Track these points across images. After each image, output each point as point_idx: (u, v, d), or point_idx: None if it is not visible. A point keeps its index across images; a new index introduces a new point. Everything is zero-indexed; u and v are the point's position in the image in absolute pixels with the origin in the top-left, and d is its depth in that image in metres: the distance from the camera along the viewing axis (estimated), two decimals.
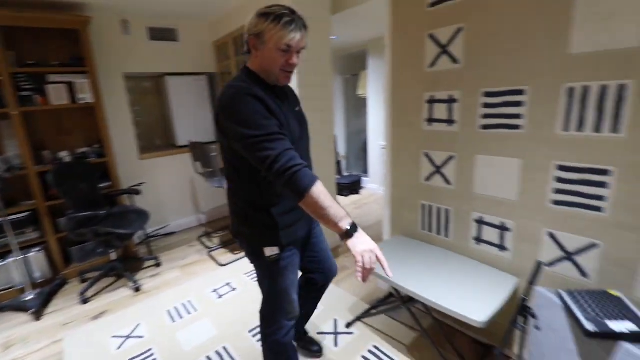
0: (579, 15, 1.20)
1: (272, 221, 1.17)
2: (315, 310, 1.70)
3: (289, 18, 1.00)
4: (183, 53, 3.37)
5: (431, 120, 1.75)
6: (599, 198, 1.26)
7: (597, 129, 1.22)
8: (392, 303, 2.06)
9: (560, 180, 1.35)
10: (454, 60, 1.59)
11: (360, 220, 3.58)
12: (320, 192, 0.95)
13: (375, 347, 1.76)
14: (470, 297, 1.41)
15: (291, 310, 1.30)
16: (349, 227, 0.96)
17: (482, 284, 1.49)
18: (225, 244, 3.17)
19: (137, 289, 2.47)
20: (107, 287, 2.55)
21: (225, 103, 1.02)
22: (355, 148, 5.01)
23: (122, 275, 2.65)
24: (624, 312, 1.10)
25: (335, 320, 2.00)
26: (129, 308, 2.25)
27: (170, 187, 3.50)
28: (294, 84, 2.38)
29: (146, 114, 3.57)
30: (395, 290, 1.78)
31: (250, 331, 1.95)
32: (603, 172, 1.24)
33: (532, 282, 1.08)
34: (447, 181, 1.75)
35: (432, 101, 1.72)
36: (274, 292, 1.27)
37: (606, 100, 1.19)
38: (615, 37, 1.14)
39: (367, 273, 0.94)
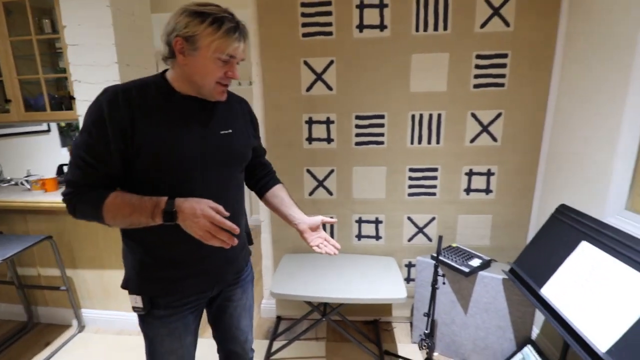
0: (413, 67, 1.78)
1: (142, 255, 0.94)
2: None
3: (232, 24, 0.82)
4: None
5: (311, 140, 1.91)
6: (434, 187, 1.91)
7: (429, 141, 1.86)
8: (293, 326, 2.04)
9: (411, 178, 1.92)
10: (329, 87, 1.84)
11: None
12: (114, 202, 0.83)
13: None
14: (380, 284, 1.70)
15: None
16: (164, 208, 0.81)
17: (377, 272, 1.82)
18: None
19: None
20: None
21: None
22: None
23: None
24: (467, 254, 1.76)
25: None
26: None
27: None
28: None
29: None
30: (310, 303, 1.79)
31: None
32: (434, 170, 1.89)
33: (438, 252, 1.51)
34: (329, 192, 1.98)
35: (311, 122, 1.89)
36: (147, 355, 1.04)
37: (432, 123, 1.84)
38: (432, 84, 1.79)
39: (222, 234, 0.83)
